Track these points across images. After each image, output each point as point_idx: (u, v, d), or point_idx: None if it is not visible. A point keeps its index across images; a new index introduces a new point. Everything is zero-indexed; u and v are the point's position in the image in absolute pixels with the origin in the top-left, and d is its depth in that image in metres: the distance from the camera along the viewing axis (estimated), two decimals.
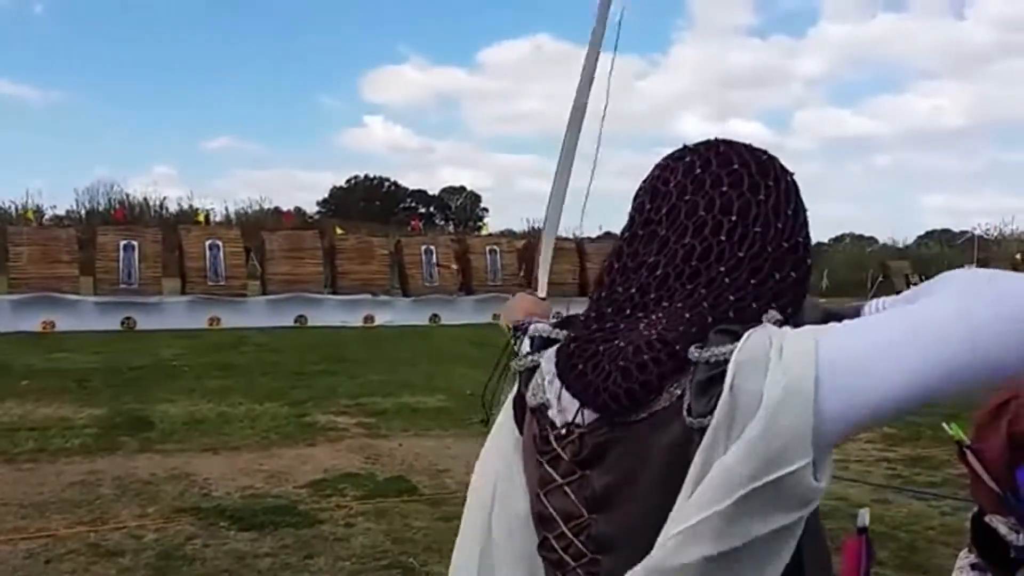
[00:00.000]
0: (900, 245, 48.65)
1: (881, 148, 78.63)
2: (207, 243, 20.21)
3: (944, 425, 1.65)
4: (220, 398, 10.37)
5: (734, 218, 1.10)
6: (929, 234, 54.15)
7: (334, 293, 21.21)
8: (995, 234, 40.78)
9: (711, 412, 0.96)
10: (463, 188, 60.00)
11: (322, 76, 76.95)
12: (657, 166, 1.21)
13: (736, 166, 1.14)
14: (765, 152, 1.17)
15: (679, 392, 1.02)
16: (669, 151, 1.21)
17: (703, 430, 0.97)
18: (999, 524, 1.59)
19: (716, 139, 1.19)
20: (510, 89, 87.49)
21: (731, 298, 1.07)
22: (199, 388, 11.07)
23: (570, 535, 1.13)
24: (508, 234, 31.91)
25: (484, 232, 28.43)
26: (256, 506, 6.10)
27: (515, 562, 1.26)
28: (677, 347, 1.04)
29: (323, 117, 75.55)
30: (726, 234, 1.10)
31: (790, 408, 0.93)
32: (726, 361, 0.97)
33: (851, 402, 0.94)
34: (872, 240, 54.95)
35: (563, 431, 1.13)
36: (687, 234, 1.11)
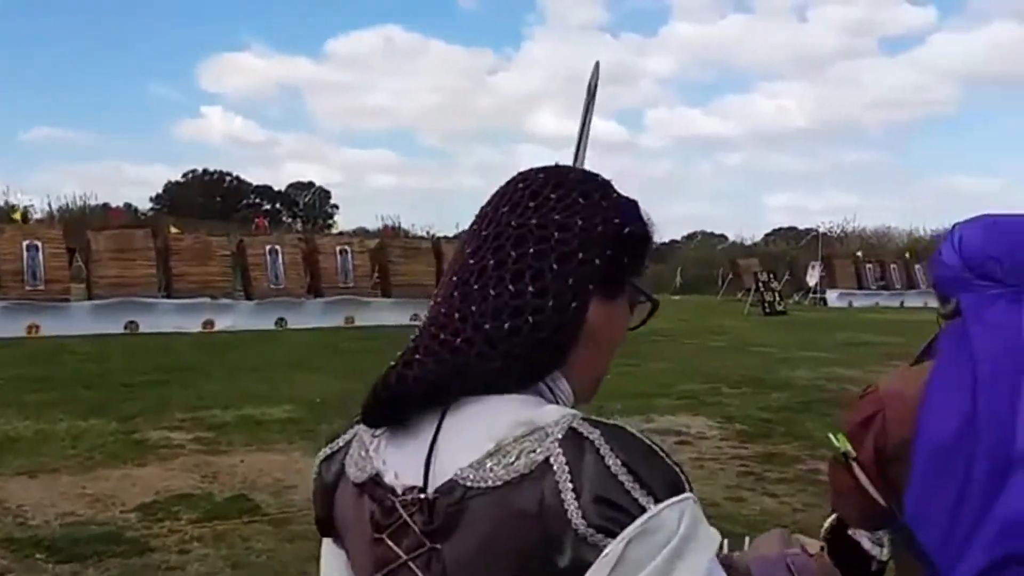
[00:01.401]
0: (749, 243, 50.96)
1: (731, 147, 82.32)
2: (24, 243, 18.92)
3: (831, 436, 1.66)
4: (38, 414, 9.68)
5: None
6: (776, 232, 56.95)
7: (168, 297, 20.33)
8: (838, 232, 43.17)
9: (608, 534, 0.89)
10: (311, 184, 59.06)
11: (155, 62, 74.05)
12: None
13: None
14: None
15: (540, 459, 0.93)
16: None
17: (591, 545, 0.90)
18: (862, 538, 1.62)
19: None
20: (360, 81, 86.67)
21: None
22: (15, 403, 10.31)
23: None
24: (360, 233, 31.56)
25: (334, 231, 27.94)
26: (78, 535, 5.71)
27: None
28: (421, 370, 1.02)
29: (156, 107, 72.75)
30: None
31: None
32: (632, 502, 0.90)
33: None
34: (722, 238, 57.34)
35: (407, 497, 1.02)
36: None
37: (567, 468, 0.92)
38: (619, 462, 0.91)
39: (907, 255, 35.91)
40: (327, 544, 1.19)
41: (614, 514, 0.89)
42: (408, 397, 1.03)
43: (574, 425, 0.95)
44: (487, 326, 1.01)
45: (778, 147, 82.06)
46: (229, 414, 9.97)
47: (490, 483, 0.96)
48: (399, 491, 1.02)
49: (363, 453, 1.09)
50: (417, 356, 1.03)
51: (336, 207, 59.10)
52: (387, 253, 22.93)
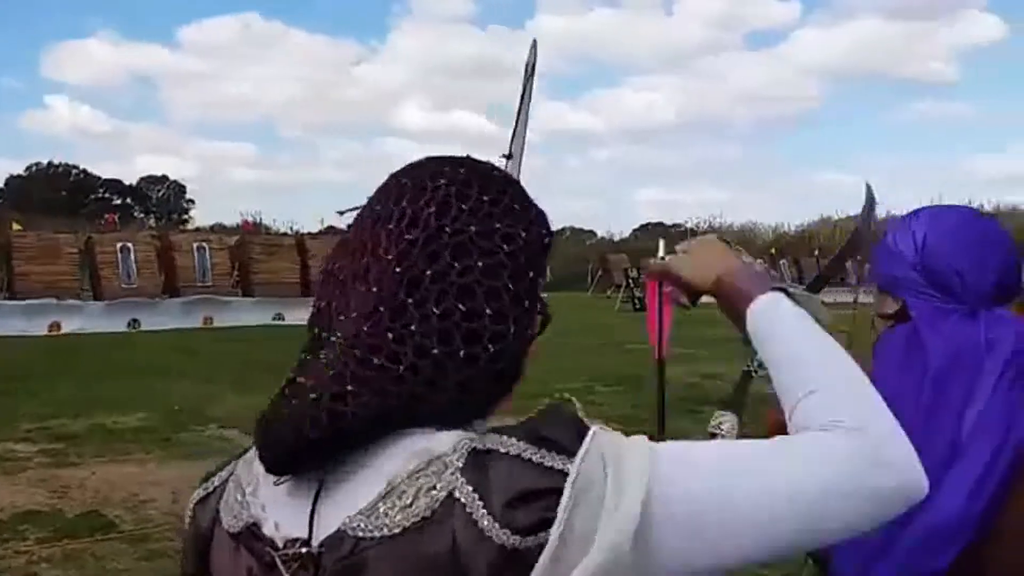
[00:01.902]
0: (618, 238, 52.06)
1: (599, 142, 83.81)
2: None
3: None
4: None
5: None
6: (644, 227, 58.39)
7: (11, 298, 19.19)
8: (705, 227, 44.58)
9: (532, 532, 0.80)
10: (165, 178, 57.11)
11: None
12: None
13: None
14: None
15: (443, 495, 0.83)
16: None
17: (523, 552, 0.79)
18: None
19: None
20: (217, 70, 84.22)
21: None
22: None
23: None
24: (219, 229, 30.58)
25: (190, 227, 27.02)
26: None
27: None
28: (352, 403, 0.87)
29: None
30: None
31: (621, 568, 0.79)
32: (553, 472, 0.81)
33: (686, 563, 0.83)
34: (591, 233, 58.34)
35: (289, 551, 0.90)
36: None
37: (475, 494, 0.82)
38: (525, 445, 0.83)
39: (772, 251, 37.33)
40: None
41: (540, 503, 0.80)
42: (347, 438, 0.88)
43: (475, 447, 0.85)
44: (435, 351, 0.88)
45: (647, 142, 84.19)
46: (79, 423, 9.50)
47: (386, 532, 0.85)
48: (280, 544, 0.91)
49: (239, 497, 0.97)
50: (349, 387, 0.87)
51: (192, 202, 57.33)
52: (248, 250, 22.30)
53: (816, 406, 0.91)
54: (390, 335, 0.89)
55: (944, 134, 74.46)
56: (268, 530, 0.93)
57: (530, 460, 0.82)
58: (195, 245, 21.72)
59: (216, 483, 1.04)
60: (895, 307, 1.57)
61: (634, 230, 58.84)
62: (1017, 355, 1.44)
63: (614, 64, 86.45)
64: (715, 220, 47.73)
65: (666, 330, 1.48)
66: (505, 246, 0.93)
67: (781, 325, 1.03)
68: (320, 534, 0.89)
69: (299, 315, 22.77)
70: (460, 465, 0.84)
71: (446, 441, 0.87)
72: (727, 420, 1.66)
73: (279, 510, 0.93)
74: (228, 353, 14.94)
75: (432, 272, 0.90)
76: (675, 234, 41.72)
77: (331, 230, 24.77)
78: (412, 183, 0.97)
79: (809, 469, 0.85)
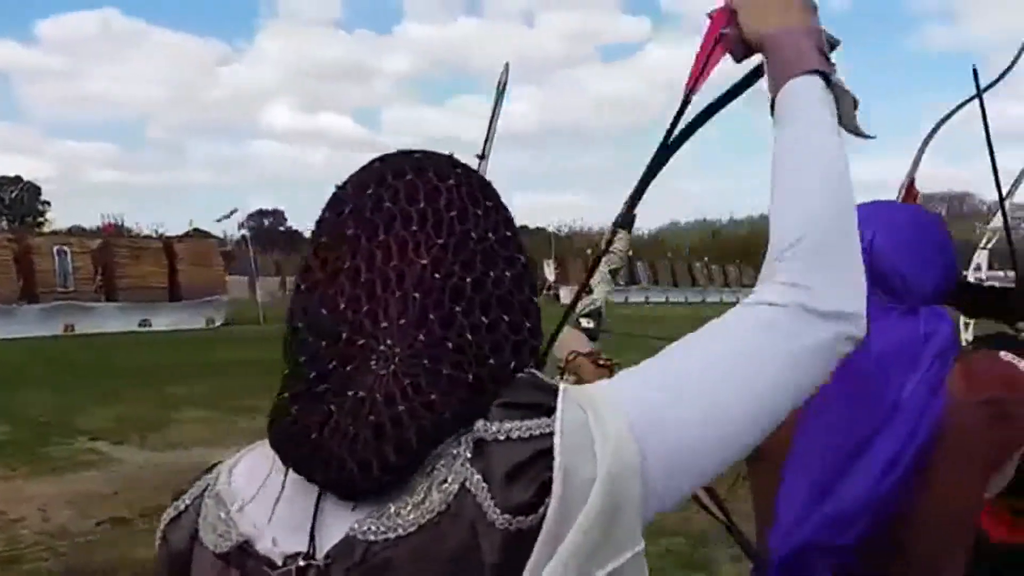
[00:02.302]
0: None
1: (467, 147, 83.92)
2: None
3: None
4: None
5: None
6: None
7: None
8: (566, 231, 45.18)
9: (533, 509, 0.78)
10: (18, 178, 54.12)
11: None
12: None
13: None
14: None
15: (455, 487, 0.81)
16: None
17: (527, 531, 0.78)
18: None
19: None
20: (76, 68, 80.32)
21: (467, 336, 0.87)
22: None
23: None
24: (78, 232, 29.28)
25: (47, 229, 25.80)
26: None
27: None
28: (441, 411, 0.83)
29: None
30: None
31: (623, 497, 0.80)
32: (540, 437, 0.80)
33: (680, 479, 0.86)
34: None
35: (290, 567, 0.85)
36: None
37: (484, 485, 0.80)
38: (508, 424, 0.82)
39: (629, 253, 38.53)
40: None
41: (530, 474, 0.79)
42: (425, 452, 0.83)
43: (480, 436, 0.82)
44: (491, 361, 0.85)
45: (512, 148, 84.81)
46: None
47: (400, 532, 0.81)
48: (278, 561, 0.86)
49: (223, 515, 0.91)
50: (433, 396, 0.82)
51: (47, 203, 54.68)
52: (112, 253, 21.45)
53: (782, 248, 0.94)
54: (449, 344, 0.85)
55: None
56: (263, 547, 0.88)
57: (519, 437, 0.80)
58: (55, 248, 20.74)
59: (188, 501, 0.97)
60: None
61: None
62: (951, 346, 1.51)
63: (480, 71, 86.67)
64: (576, 224, 48.54)
65: (707, 72, 1.34)
66: (521, 256, 0.93)
67: (797, 118, 1.00)
68: (324, 544, 0.84)
69: (167, 320, 22.01)
70: (469, 456, 0.82)
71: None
72: (621, 239, 1.70)
73: (274, 525, 0.88)
74: (92, 362, 14.38)
75: (471, 281, 0.87)
76: (540, 239, 42.29)
77: (198, 232, 24.05)
78: (422, 181, 0.92)
79: (748, 347, 0.89)
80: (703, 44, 1.27)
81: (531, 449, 0.79)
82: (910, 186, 3.61)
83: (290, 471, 0.87)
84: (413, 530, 0.81)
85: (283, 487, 0.89)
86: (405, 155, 0.96)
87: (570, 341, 1.82)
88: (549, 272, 36.27)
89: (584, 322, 1.84)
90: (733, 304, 0.96)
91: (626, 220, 1.73)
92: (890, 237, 1.54)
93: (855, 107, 1.06)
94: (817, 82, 1.00)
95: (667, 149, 1.50)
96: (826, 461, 1.48)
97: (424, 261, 0.87)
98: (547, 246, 38.20)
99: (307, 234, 1.10)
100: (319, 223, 0.94)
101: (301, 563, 0.85)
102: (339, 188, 0.96)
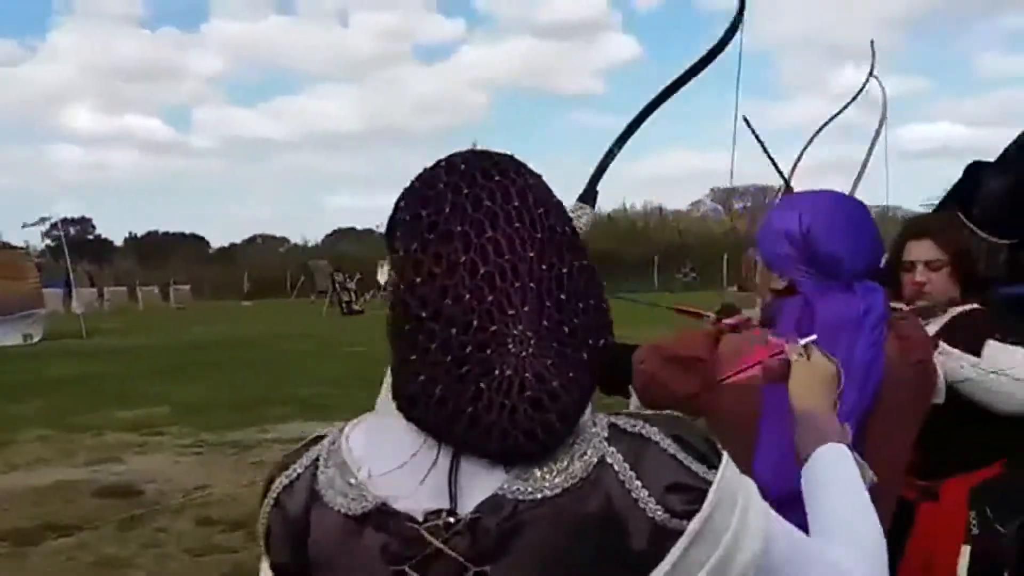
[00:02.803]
0: (312, 244, 51.44)
1: (285, 149, 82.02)
2: None
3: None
4: None
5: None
6: (337, 232, 58.05)
7: None
8: None
9: (686, 517, 0.93)
10: None
11: None
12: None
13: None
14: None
15: (595, 460, 0.95)
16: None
17: (676, 532, 0.94)
18: None
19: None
20: None
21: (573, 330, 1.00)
22: None
23: None
24: None
25: None
26: None
27: None
28: (580, 386, 0.97)
29: None
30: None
31: (732, 568, 0.96)
32: (697, 477, 0.96)
33: None
34: (284, 240, 57.21)
35: (437, 522, 0.96)
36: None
37: (627, 464, 0.94)
38: (673, 444, 0.96)
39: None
40: None
41: (688, 496, 0.93)
42: (576, 422, 0.98)
43: (613, 421, 0.98)
44: (591, 342, 1.00)
45: (332, 149, 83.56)
46: None
47: (546, 493, 0.94)
48: (420, 518, 0.96)
49: (352, 481, 1.01)
50: (571, 374, 0.97)
51: None
52: None
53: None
54: (565, 328, 0.98)
55: (598, 141, 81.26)
56: (403, 507, 0.97)
57: (676, 456, 0.95)
58: None
59: (299, 470, 1.06)
60: (783, 284, 1.80)
61: (327, 235, 58.36)
62: (885, 315, 1.74)
63: (294, 71, 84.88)
64: None
65: (741, 374, 1.66)
66: (584, 249, 1.05)
67: (836, 475, 1.28)
68: (467, 503, 0.95)
69: None
70: (605, 435, 0.96)
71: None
72: (585, 213, 1.72)
73: (409, 487, 0.97)
74: None
75: (567, 271, 1.00)
76: (375, 239, 41.80)
77: (5, 246, 22.45)
78: (508, 182, 1.02)
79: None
80: (745, 358, 1.59)
81: (690, 480, 0.94)
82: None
83: (422, 440, 0.97)
84: (557, 492, 0.94)
85: (414, 455, 0.97)
86: (479, 155, 1.07)
87: None
88: (382, 275, 35.76)
89: None
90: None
91: (589, 195, 1.79)
92: (825, 223, 1.76)
93: (868, 470, 1.36)
94: (846, 450, 1.32)
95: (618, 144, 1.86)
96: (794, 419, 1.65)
97: (531, 254, 0.99)
98: (379, 249, 37.75)
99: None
100: (411, 219, 1.02)
101: (448, 519, 0.95)
102: (422, 187, 1.04)
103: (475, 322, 0.96)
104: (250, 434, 9.07)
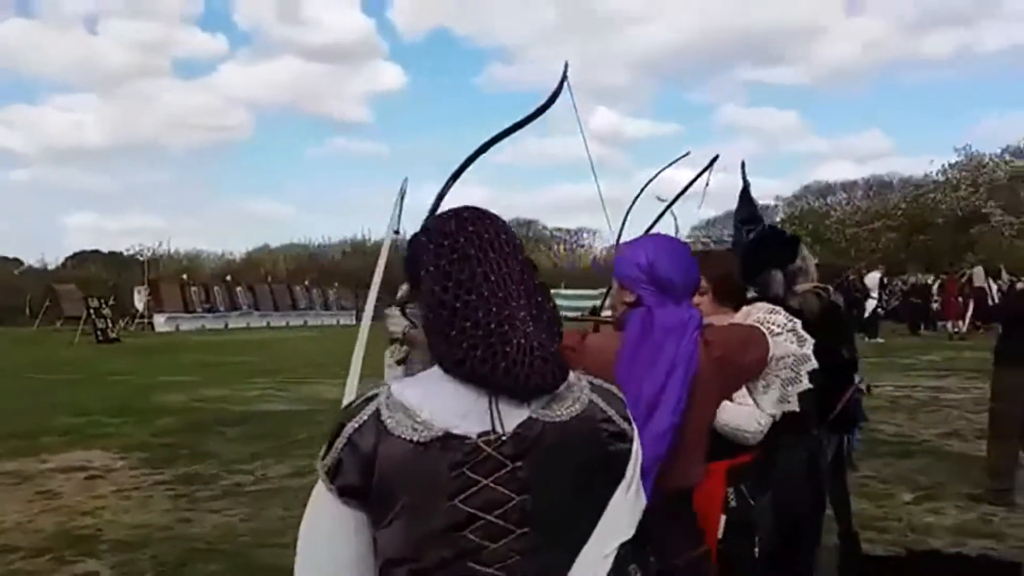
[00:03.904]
0: (51, 267, 47.88)
1: (18, 162, 75.43)
2: None
3: None
4: None
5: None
6: (79, 254, 54.32)
7: None
8: (149, 254, 42.68)
9: (631, 428, 1.60)
10: None
11: None
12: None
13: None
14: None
15: (588, 400, 1.56)
16: None
17: (631, 437, 1.59)
18: None
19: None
20: None
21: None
22: None
23: (497, 520, 1.48)
24: None
25: None
26: None
27: None
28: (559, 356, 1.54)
29: None
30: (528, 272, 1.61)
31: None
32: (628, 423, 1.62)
33: None
34: (17, 262, 52.84)
35: (489, 438, 1.48)
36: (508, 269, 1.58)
37: (602, 403, 1.58)
38: (616, 392, 1.64)
39: (227, 278, 37.78)
40: (337, 512, 1.51)
41: (628, 417, 1.61)
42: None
43: (589, 380, 1.59)
44: (555, 328, 1.60)
45: (73, 164, 77.44)
46: None
47: (562, 418, 1.52)
48: (474, 438, 1.48)
49: (418, 419, 1.49)
50: (556, 343, 1.56)
51: None
52: None
53: None
54: (544, 316, 1.58)
55: (363, 169, 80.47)
56: (461, 432, 1.48)
57: (620, 398, 1.62)
58: None
59: (364, 418, 1.50)
60: (632, 298, 2.45)
61: (68, 257, 54.47)
62: (700, 324, 2.40)
63: (34, 79, 78.21)
64: (160, 248, 46.19)
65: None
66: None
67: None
68: (507, 425, 1.49)
69: None
70: (587, 386, 1.57)
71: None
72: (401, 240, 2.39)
73: (461, 419, 1.48)
74: None
75: (534, 280, 1.61)
76: (123, 260, 39.68)
77: None
78: (491, 220, 1.63)
79: None
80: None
81: (624, 409, 1.62)
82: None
83: (467, 385, 1.49)
84: (568, 418, 1.53)
85: (462, 399, 1.50)
86: (467, 208, 1.65)
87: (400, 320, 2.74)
88: (140, 301, 34.05)
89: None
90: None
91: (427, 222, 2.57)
92: (660, 256, 2.44)
93: None
94: None
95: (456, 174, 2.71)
96: (641, 397, 2.26)
97: (518, 268, 1.57)
98: (135, 272, 35.96)
99: None
100: (436, 247, 1.58)
101: (494, 435, 1.49)
102: (438, 227, 1.61)
103: (494, 309, 1.50)
104: (29, 464, 8.80)
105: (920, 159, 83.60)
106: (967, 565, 5.18)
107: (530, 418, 1.50)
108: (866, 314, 21.85)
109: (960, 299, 23.75)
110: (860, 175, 54.20)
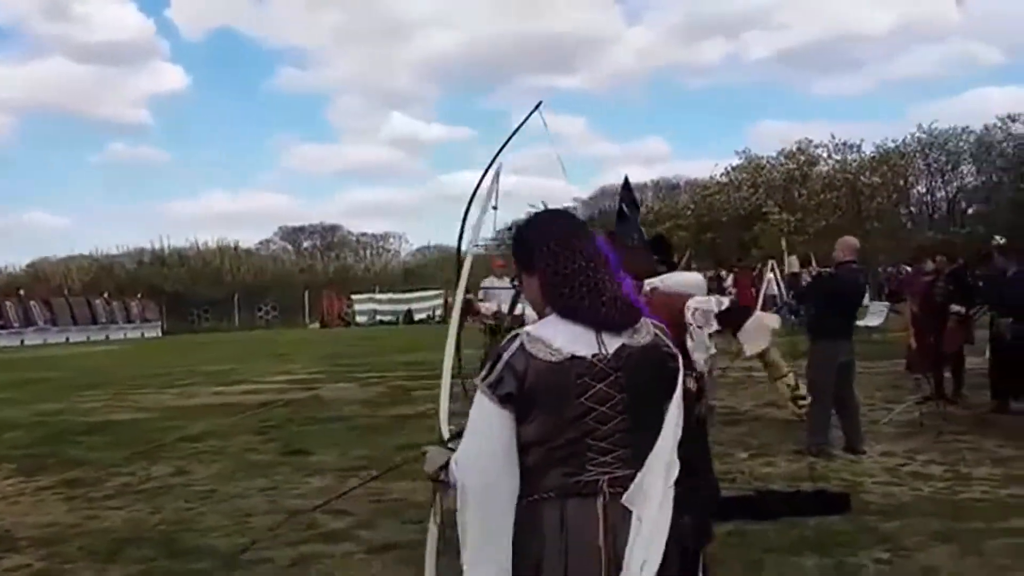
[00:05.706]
0: None
1: None
2: None
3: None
4: None
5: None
6: None
7: None
8: None
9: (677, 367, 2.38)
10: None
11: None
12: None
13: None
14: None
15: (656, 331, 2.34)
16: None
17: (677, 357, 2.37)
18: None
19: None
20: None
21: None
22: None
23: (607, 411, 2.24)
24: None
25: None
26: None
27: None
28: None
29: None
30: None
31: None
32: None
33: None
34: None
35: (602, 354, 2.25)
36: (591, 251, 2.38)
37: (663, 336, 2.37)
38: (664, 331, 2.41)
39: (21, 292, 35.68)
40: (497, 413, 2.23)
41: (676, 350, 2.40)
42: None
43: (651, 321, 2.38)
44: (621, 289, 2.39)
45: None
46: None
47: (644, 343, 2.32)
48: (590, 357, 2.24)
49: (553, 347, 2.24)
50: (626, 301, 2.32)
51: None
52: None
53: None
54: (617, 280, 2.37)
55: (141, 176, 75.80)
56: (581, 353, 2.23)
57: (667, 335, 2.42)
58: None
59: (514, 349, 2.23)
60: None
61: None
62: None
63: None
64: None
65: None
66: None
67: None
68: (609, 348, 2.25)
69: None
70: (651, 324, 2.36)
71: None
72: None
73: (580, 346, 2.23)
74: None
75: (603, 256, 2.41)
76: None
77: None
78: (580, 220, 2.48)
79: None
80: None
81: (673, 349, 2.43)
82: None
83: (580, 324, 2.27)
84: (645, 343, 2.32)
85: (577, 335, 2.28)
86: (553, 210, 2.57)
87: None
88: None
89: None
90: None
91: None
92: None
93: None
94: None
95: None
96: None
97: (594, 250, 2.37)
98: None
99: None
100: (546, 237, 2.38)
101: (601, 355, 2.26)
102: (542, 222, 2.47)
103: (591, 273, 2.29)
104: None
105: (704, 162, 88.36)
106: (809, 499, 6.42)
107: (623, 344, 2.27)
108: None
109: (754, 290, 26.08)
110: (649, 177, 58.02)
